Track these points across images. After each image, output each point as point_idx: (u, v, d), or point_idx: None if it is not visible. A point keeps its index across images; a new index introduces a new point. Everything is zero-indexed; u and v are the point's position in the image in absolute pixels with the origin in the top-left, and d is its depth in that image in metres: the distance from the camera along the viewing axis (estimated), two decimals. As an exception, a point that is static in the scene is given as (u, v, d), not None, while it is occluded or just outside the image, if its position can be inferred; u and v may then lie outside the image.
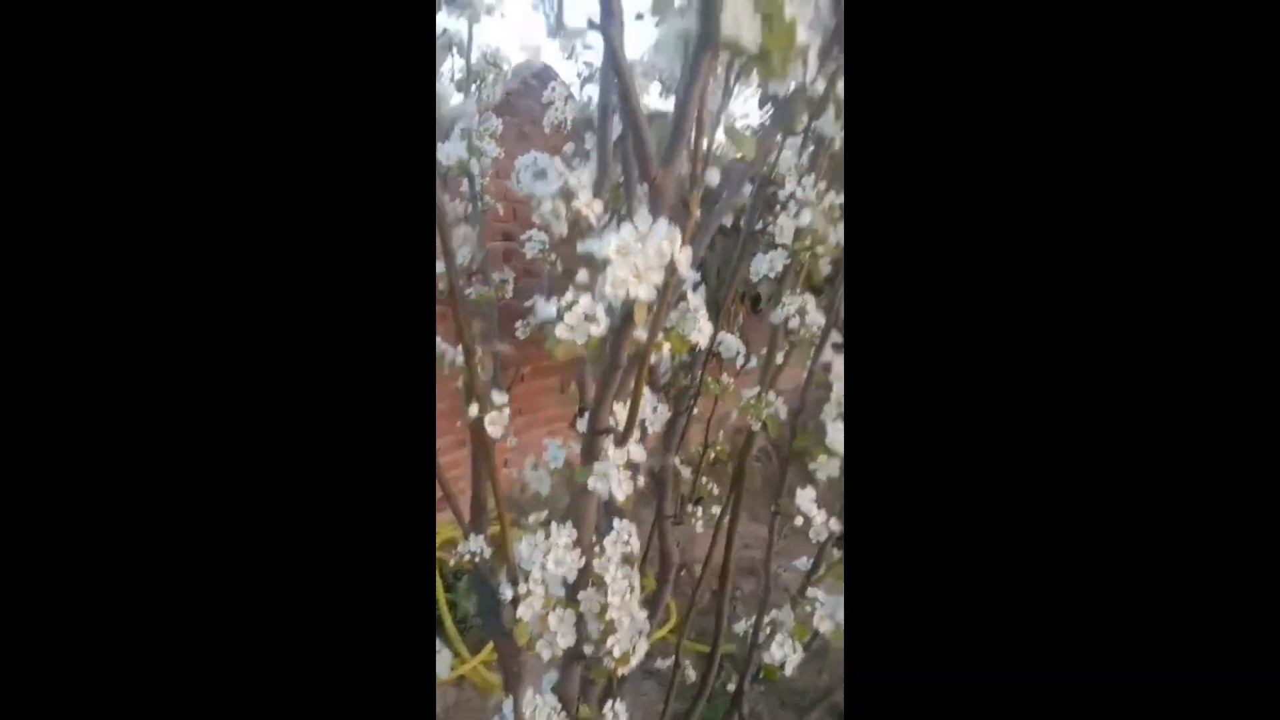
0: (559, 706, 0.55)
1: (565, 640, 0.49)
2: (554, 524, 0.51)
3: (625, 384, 0.47)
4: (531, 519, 0.53)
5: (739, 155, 0.72)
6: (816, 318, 0.60)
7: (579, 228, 0.44)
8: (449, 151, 0.53)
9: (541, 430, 2.28)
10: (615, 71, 0.32)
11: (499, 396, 0.51)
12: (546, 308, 0.37)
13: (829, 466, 0.56)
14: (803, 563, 0.79)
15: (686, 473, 0.89)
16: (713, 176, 0.60)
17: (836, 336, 0.59)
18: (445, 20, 0.63)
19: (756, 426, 0.61)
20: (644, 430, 0.60)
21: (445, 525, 1.63)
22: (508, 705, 0.55)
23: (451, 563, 0.63)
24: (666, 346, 0.46)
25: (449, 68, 0.67)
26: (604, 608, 0.49)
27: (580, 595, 0.49)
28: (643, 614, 0.50)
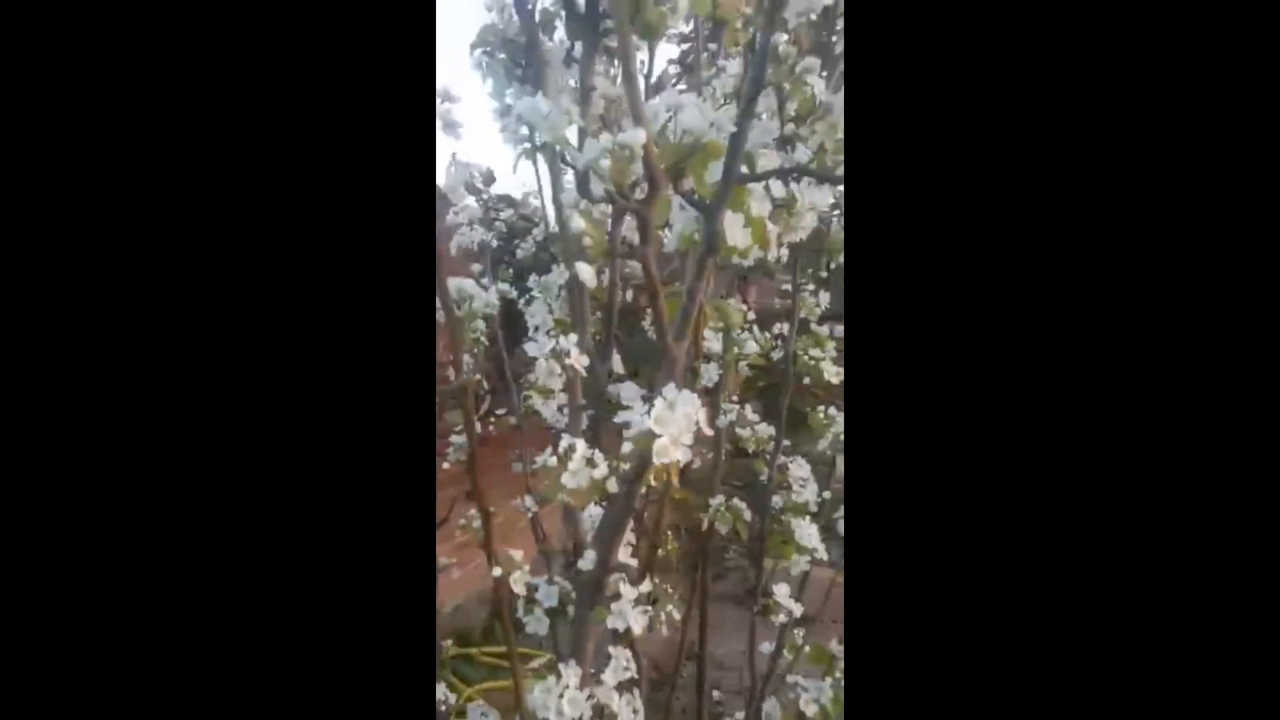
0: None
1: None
2: (559, 665, 0.53)
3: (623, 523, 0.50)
4: (536, 663, 0.54)
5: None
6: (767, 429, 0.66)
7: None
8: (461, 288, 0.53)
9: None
10: (647, 277, 0.37)
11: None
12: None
13: (800, 564, 0.60)
14: (765, 647, 0.82)
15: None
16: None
17: (786, 440, 0.65)
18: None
19: (724, 530, 0.65)
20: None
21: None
22: None
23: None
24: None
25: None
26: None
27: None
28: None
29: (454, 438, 0.71)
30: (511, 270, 1.15)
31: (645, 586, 0.50)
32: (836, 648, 0.64)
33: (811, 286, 0.66)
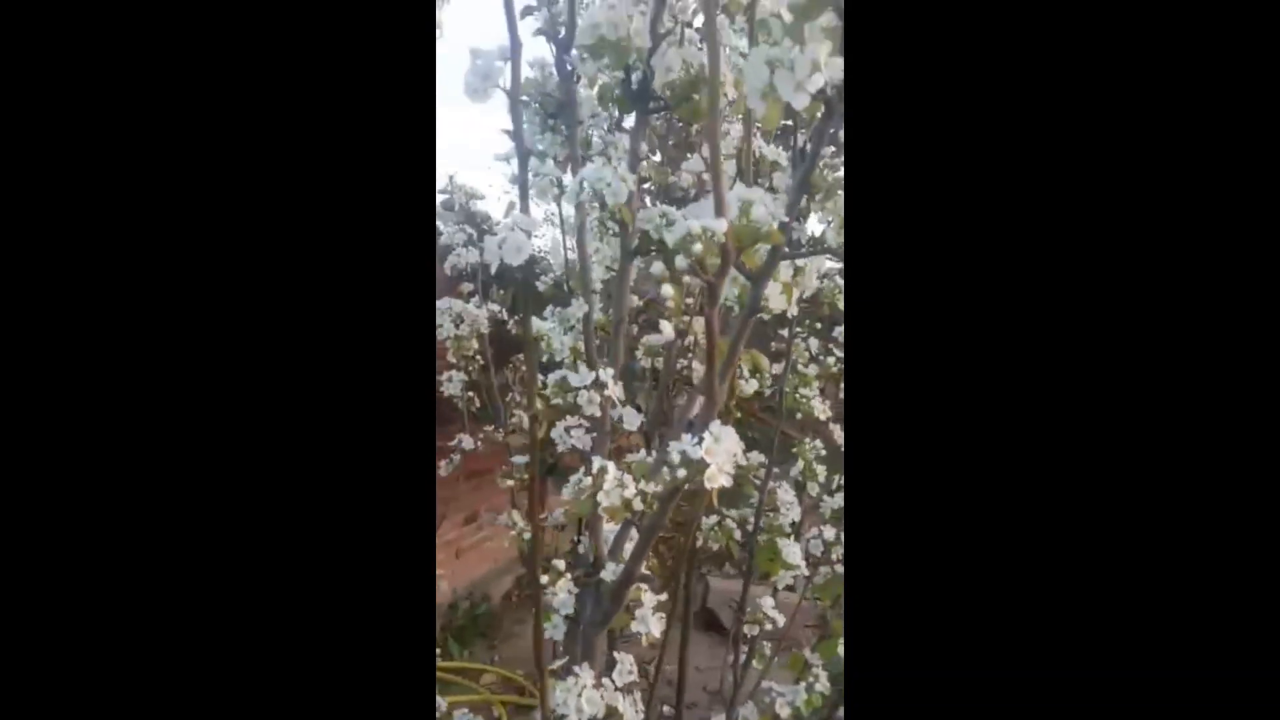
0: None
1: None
2: (575, 667, 0.59)
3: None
4: (556, 664, 0.60)
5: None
6: (757, 457, 0.73)
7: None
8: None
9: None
10: (709, 335, 0.44)
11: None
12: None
13: (786, 578, 0.68)
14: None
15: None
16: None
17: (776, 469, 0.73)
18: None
19: (716, 547, 0.73)
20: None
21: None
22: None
23: None
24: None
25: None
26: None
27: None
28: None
29: (514, 458, 0.77)
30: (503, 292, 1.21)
31: (663, 595, 0.57)
32: (811, 655, 0.72)
33: (804, 334, 0.75)
